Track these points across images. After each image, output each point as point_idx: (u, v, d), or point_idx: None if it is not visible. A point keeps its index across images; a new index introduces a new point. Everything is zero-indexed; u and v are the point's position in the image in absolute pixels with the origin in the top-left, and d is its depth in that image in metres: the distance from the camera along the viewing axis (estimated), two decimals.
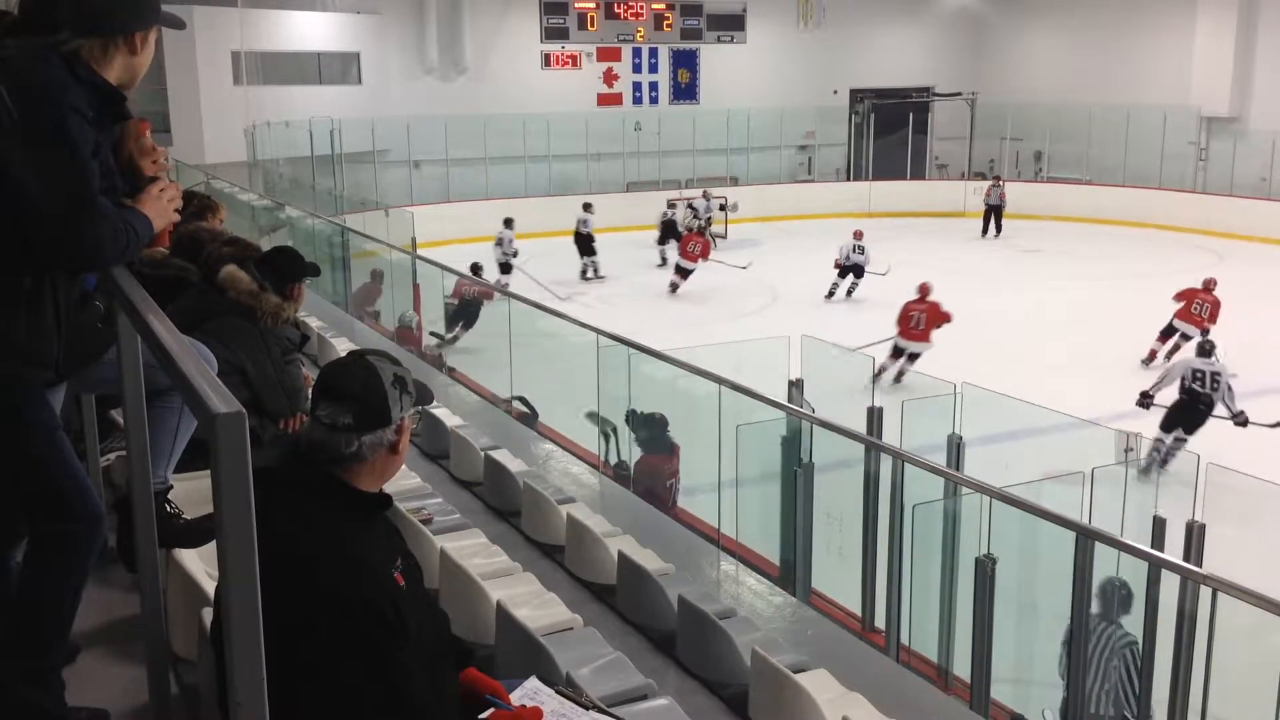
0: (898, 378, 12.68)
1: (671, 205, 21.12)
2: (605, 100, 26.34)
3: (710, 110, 26.80)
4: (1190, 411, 9.81)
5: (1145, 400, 10.33)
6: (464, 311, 12.42)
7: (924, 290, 13.15)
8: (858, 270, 17.42)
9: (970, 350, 14.39)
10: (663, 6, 26.13)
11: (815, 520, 5.85)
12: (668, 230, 20.22)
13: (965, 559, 5.06)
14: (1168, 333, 13.43)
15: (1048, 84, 28.52)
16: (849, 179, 28.38)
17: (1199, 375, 9.88)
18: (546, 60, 25.45)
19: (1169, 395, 10.18)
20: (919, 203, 25.70)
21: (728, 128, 26.29)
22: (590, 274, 18.97)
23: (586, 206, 19.47)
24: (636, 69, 26.73)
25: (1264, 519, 5.77)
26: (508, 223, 17.94)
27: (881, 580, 5.53)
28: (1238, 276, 18.47)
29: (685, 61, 27.16)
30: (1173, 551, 4.60)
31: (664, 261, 19.67)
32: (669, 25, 26.31)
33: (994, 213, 23.96)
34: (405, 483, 4.61)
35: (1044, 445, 7.89)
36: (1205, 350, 10.20)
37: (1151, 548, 4.50)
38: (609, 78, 26.37)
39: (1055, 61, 28.78)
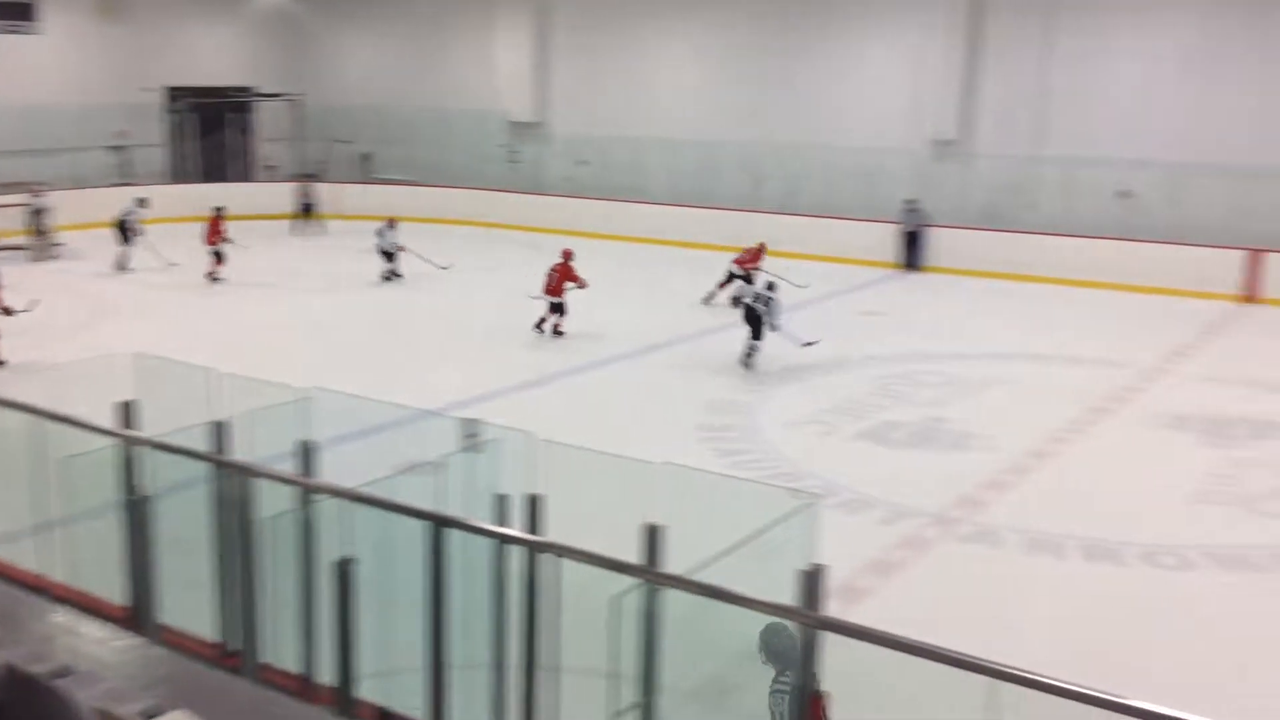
0: (539, 325, 15.60)
1: (142, 203, 20.46)
2: None
3: (3, 108, 23.82)
4: (754, 320, 14.14)
5: (708, 299, 17.82)
6: None
7: (566, 255, 15.76)
8: (387, 255, 19.41)
9: (320, 351, 14.41)
10: None
11: (162, 550, 5.42)
12: (124, 230, 20.00)
13: (325, 564, 5.00)
14: (727, 279, 17.77)
15: (373, 87, 29.32)
16: (171, 181, 26.87)
17: (760, 297, 14.25)
18: None
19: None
20: (247, 205, 25.06)
21: (25, 127, 23.56)
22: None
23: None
24: None
25: (589, 483, 6.42)
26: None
27: (238, 602, 5.28)
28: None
29: None
30: (517, 525, 4.92)
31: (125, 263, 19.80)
32: None
33: (307, 211, 25.20)
34: None
35: (398, 440, 8.08)
36: (770, 286, 14.56)
37: (497, 524, 4.77)
38: None
39: (378, 65, 29.66)
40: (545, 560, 4.54)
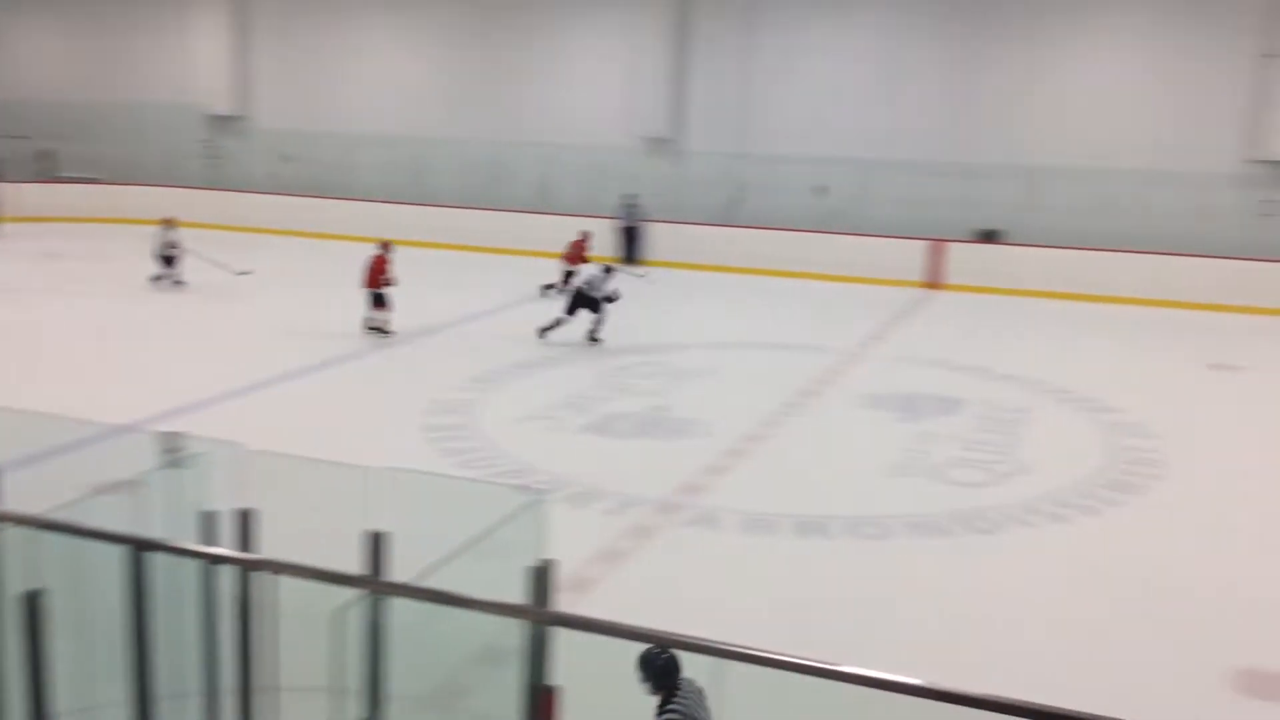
0: (369, 325, 15.47)
1: None
2: None
3: None
4: (586, 301, 15.54)
5: (547, 290, 18.89)
6: None
7: (385, 246, 15.85)
8: (166, 259, 18.64)
9: (34, 364, 13.23)
10: None
11: None
12: None
13: (9, 598, 4.55)
14: (565, 278, 18.56)
15: (53, 79, 27.09)
16: None
17: (591, 282, 15.73)
18: None
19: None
20: None
21: None
22: None
23: None
24: None
25: (307, 493, 6.17)
26: None
27: None
28: (286, 266, 19.49)
29: None
30: (227, 543, 4.65)
31: None
32: None
33: None
34: None
35: (92, 458, 7.50)
36: (606, 270, 16.03)
37: (204, 544, 4.50)
38: None
39: (57, 57, 27.43)
40: (259, 578, 4.31)
